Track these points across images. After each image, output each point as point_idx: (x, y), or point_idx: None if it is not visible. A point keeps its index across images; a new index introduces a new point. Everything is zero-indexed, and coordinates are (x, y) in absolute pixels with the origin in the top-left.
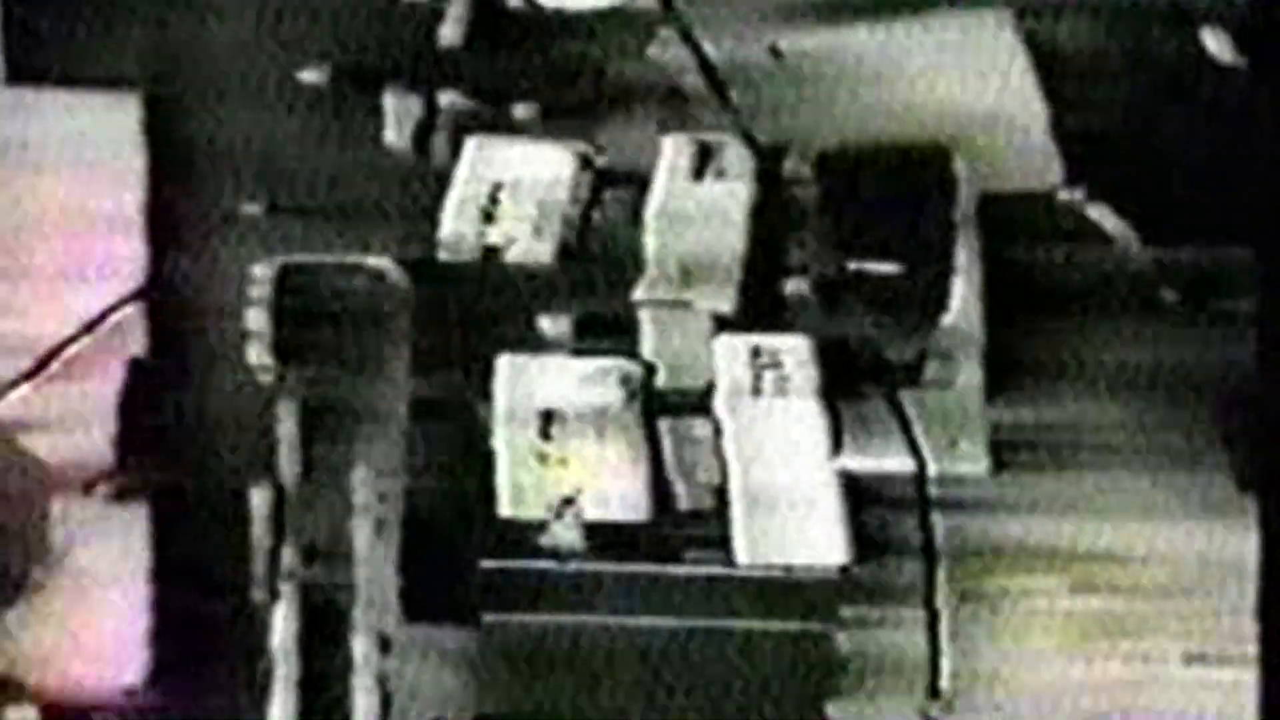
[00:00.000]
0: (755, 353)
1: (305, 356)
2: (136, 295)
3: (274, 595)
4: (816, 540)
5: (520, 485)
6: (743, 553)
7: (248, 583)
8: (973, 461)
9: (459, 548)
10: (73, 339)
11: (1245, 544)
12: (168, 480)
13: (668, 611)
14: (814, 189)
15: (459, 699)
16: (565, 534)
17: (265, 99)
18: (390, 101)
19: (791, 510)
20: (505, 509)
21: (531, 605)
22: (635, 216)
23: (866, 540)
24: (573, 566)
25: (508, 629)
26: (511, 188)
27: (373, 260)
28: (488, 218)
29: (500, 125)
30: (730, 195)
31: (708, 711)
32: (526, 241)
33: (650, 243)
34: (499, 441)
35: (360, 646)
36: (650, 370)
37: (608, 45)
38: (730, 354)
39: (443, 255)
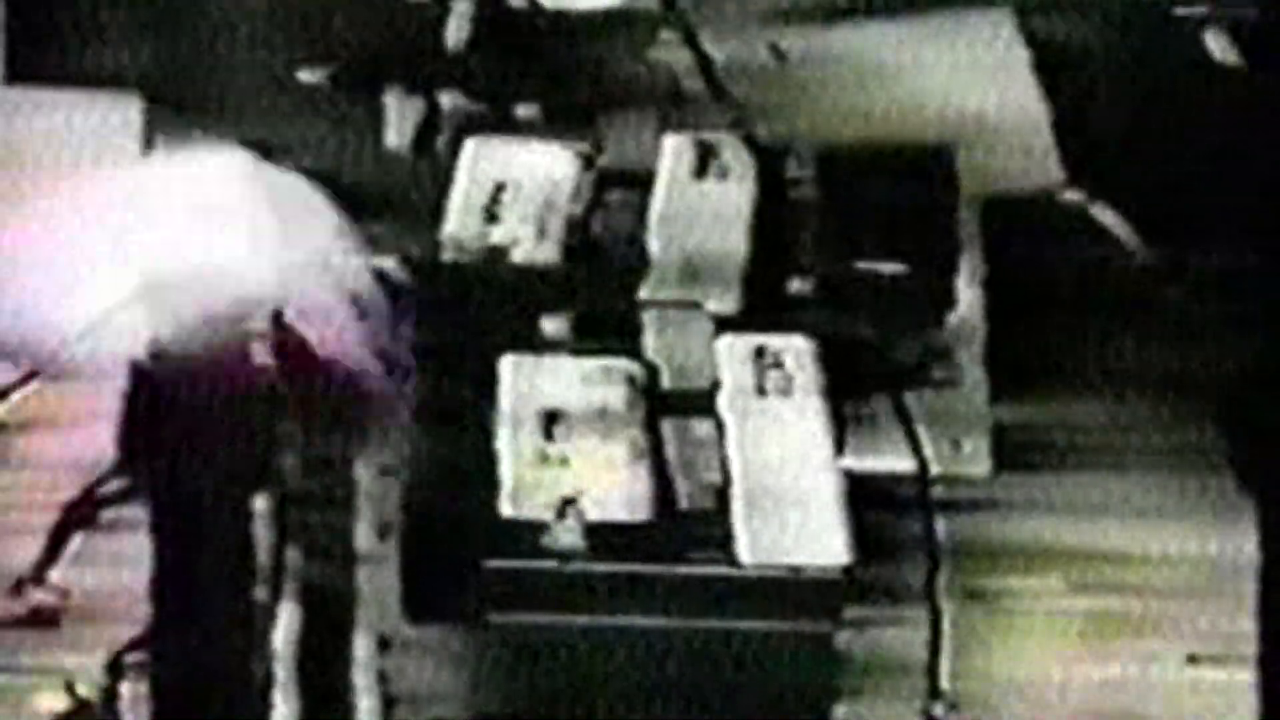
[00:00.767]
0: (758, 353)
1: None
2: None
3: (276, 595)
4: (819, 541)
5: (522, 485)
6: (745, 553)
7: (249, 583)
8: (975, 462)
9: (461, 548)
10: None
11: (1245, 544)
12: (168, 480)
13: (670, 612)
14: (816, 189)
15: (460, 699)
16: (567, 534)
17: (265, 99)
18: (391, 102)
19: (794, 511)
20: (507, 509)
21: (533, 605)
22: (638, 217)
23: (869, 541)
24: (575, 567)
25: (509, 629)
26: (514, 188)
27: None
28: (491, 218)
29: (502, 126)
30: (732, 195)
31: (710, 712)
32: (530, 242)
33: (653, 243)
34: (501, 441)
35: (362, 646)
36: (653, 371)
37: (610, 46)
38: (733, 354)
39: (445, 255)
